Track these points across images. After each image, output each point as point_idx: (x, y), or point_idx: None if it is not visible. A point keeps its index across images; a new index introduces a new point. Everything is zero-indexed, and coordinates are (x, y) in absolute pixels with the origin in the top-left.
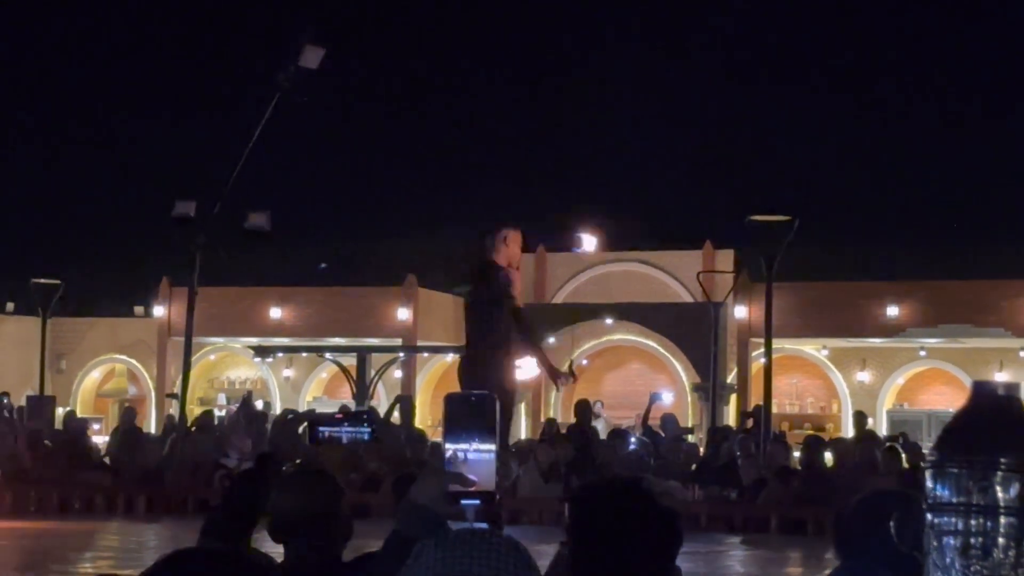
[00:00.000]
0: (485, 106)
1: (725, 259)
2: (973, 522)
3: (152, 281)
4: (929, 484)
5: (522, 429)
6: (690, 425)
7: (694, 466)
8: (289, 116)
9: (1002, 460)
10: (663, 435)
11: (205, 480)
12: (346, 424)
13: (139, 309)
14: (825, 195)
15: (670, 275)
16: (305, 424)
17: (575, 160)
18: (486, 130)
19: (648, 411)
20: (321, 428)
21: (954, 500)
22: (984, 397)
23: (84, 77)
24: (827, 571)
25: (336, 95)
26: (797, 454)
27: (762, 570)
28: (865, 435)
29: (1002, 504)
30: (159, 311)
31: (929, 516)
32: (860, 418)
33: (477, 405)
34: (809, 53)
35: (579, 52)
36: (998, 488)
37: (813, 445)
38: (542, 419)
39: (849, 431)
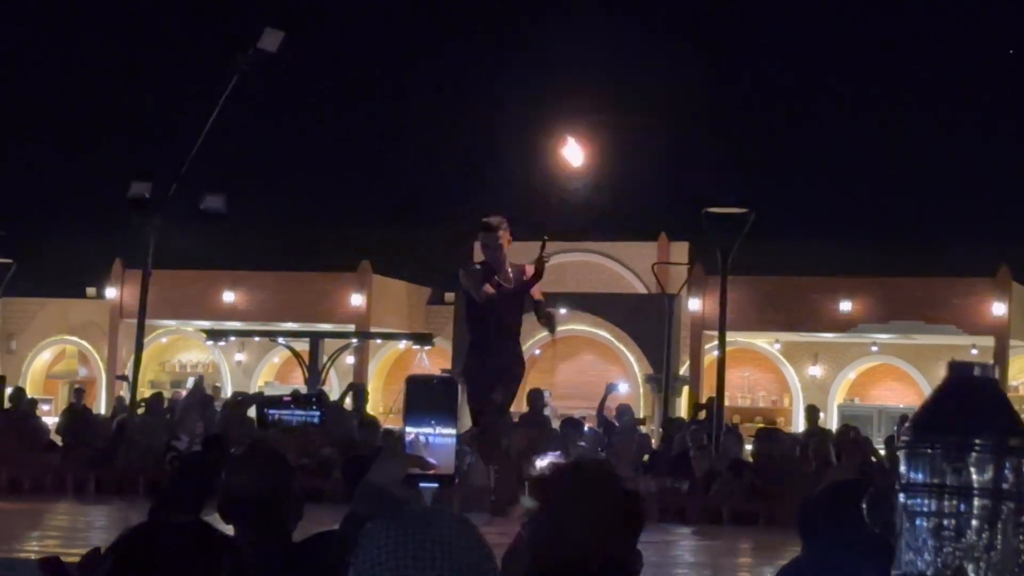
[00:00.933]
0: (439, 90)
1: (680, 251)
2: (946, 503)
3: (104, 262)
4: (903, 465)
5: None
6: (642, 416)
7: (646, 457)
8: (246, 98)
9: (976, 441)
10: (618, 425)
11: (155, 462)
12: (295, 407)
13: (91, 290)
14: (781, 189)
15: (625, 266)
16: (254, 407)
17: (529, 150)
18: (441, 116)
19: (604, 401)
20: (271, 411)
21: (927, 481)
22: (959, 378)
23: (38, 54)
24: (784, 561)
25: (293, 78)
26: (749, 447)
27: (714, 560)
28: (816, 430)
29: (976, 485)
30: (111, 293)
31: (902, 497)
32: (812, 412)
33: (438, 389)
34: (764, 45)
35: (535, 37)
36: (972, 469)
37: (767, 437)
38: None
39: (800, 425)
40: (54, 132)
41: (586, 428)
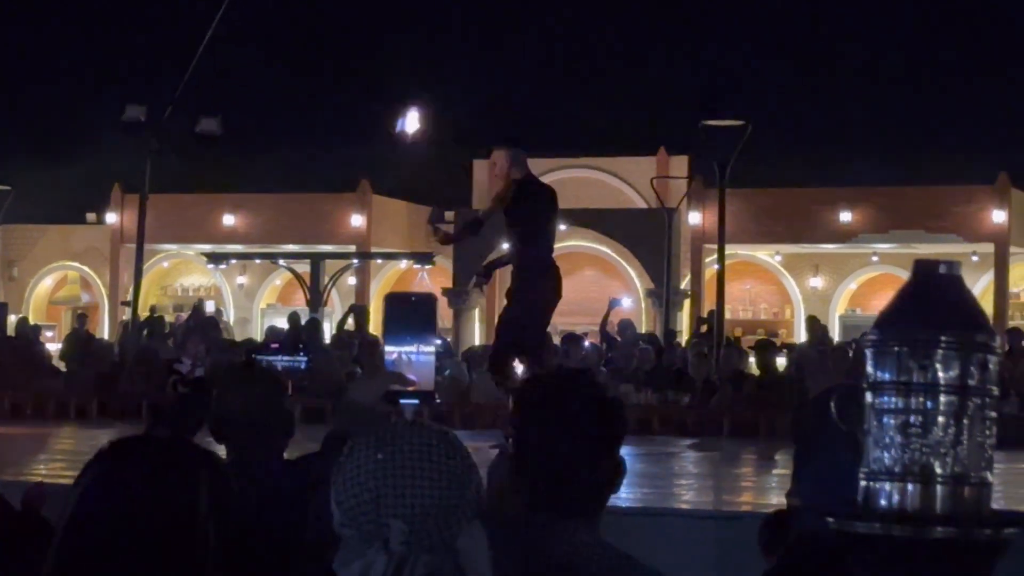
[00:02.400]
0: (437, 8)
1: (679, 165)
2: (913, 401)
3: (104, 187)
4: (869, 364)
5: (476, 335)
6: (644, 331)
7: (647, 371)
8: (240, 18)
9: (943, 338)
10: (620, 340)
11: (158, 385)
12: (282, 353)
13: (91, 216)
14: (779, 100)
15: (624, 181)
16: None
17: (529, 66)
18: (439, 34)
19: (607, 316)
20: (258, 357)
21: (894, 379)
22: (925, 276)
23: None
24: (783, 472)
25: None
26: (752, 359)
27: (715, 470)
28: (817, 340)
29: (942, 382)
30: (111, 218)
31: (869, 396)
32: (813, 323)
33: (417, 306)
34: None
35: None
36: (938, 366)
37: (765, 349)
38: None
39: (802, 336)
40: (50, 57)
41: (587, 344)
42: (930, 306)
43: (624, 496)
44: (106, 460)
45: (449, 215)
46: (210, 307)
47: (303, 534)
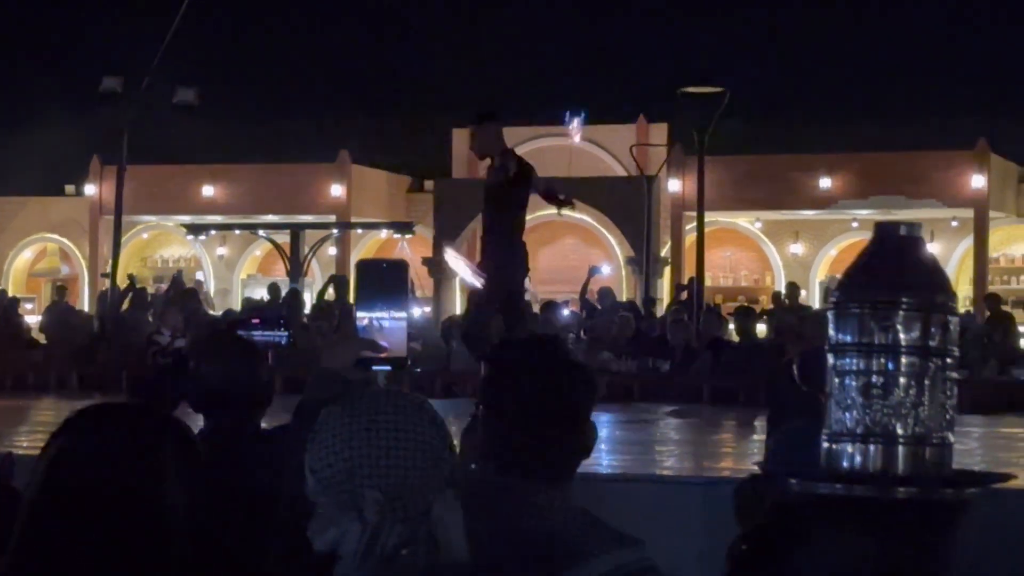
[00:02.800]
0: None
1: (659, 132)
2: (875, 362)
3: (83, 159)
4: (831, 326)
5: (456, 304)
6: (624, 299)
7: (627, 338)
8: None
9: (904, 300)
10: (600, 308)
11: (137, 357)
12: (262, 328)
13: (70, 188)
14: (757, 67)
15: (603, 149)
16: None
17: (508, 34)
18: (416, 2)
19: (587, 284)
20: (239, 332)
21: (856, 341)
22: (886, 238)
23: None
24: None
25: None
26: (732, 326)
27: (695, 436)
28: (797, 307)
29: (903, 344)
30: (90, 190)
31: (831, 357)
32: (792, 290)
33: (389, 272)
34: None
35: None
36: (899, 328)
37: (745, 315)
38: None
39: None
40: (26, 28)
41: (567, 311)
42: (891, 268)
43: (605, 463)
44: (73, 429)
45: (429, 184)
46: (199, 276)
47: (278, 503)
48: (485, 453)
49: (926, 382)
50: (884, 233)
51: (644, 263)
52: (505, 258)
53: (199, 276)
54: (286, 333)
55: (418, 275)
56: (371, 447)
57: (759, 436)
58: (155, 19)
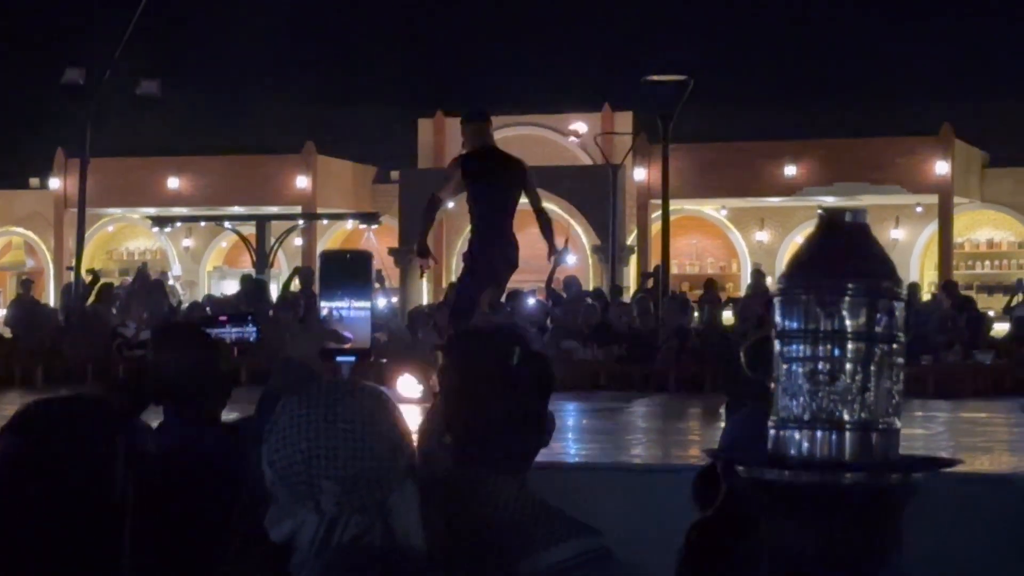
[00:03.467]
0: None
1: (624, 121)
2: (820, 348)
3: (47, 152)
4: (777, 313)
5: (423, 294)
6: (590, 288)
7: (593, 326)
8: None
9: (849, 286)
10: (566, 297)
11: (103, 350)
12: (230, 325)
13: (34, 181)
14: (721, 54)
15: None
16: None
17: (472, 24)
18: None
19: (552, 273)
20: (208, 331)
21: (802, 327)
22: (832, 225)
23: None
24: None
25: None
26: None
27: (661, 424)
28: (762, 293)
29: (849, 330)
30: (55, 183)
31: (778, 344)
32: (758, 276)
33: (353, 263)
34: None
35: None
36: (845, 314)
37: (710, 303)
38: (443, 284)
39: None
40: None
41: (533, 300)
42: (836, 254)
43: (571, 451)
44: (24, 421)
45: (395, 174)
46: (175, 271)
47: (238, 495)
48: (442, 443)
49: (872, 368)
50: (830, 220)
51: (610, 251)
52: (486, 245)
53: (175, 271)
54: (255, 329)
55: (384, 265)
56: (328, 438)
57: (724, 423)
58: (117, 10)
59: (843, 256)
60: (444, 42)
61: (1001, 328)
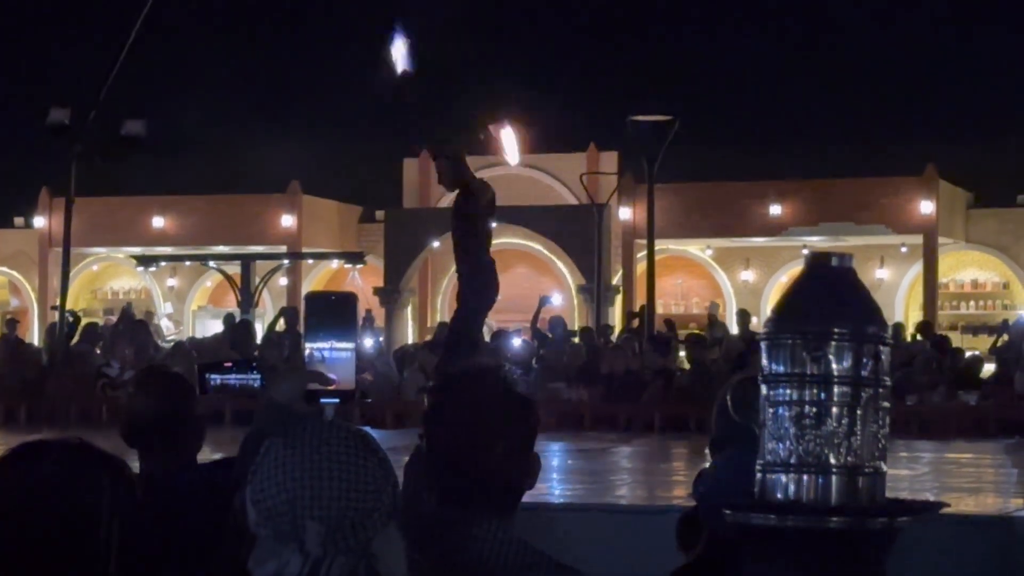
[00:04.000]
0: (360, 11)
1: (609, 160)
2: (807, 392)
3: (32, 191)
4: (764, 356)
5: (408, 333)
6: (576, 328)
7: (579, 367)
8: (164, 20)
9: (835, 330)
10: (551, 337)
11: (87, 389)
12: (235, 372)
13: (19, 220)
14: (706, 95)
15: (554, 177)
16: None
17: (456, 62)
18: (364, 36)
19: (537, 313)
20: (211, 376)
21: (788, 371)
22: (818, 269)
23: None
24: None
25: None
26: (683, 353)
27: (646, 465)
28: (748, 334)
29: (836, 374)
30: (39, 222)
31: (764, 388)
32: (743, 317)
33: (337, 304)
34: None
35: None
36: (831, 358)
37: (696, 344)
38: (428, 323)
39: (733, 330)
40: None
41: (519, 340)
42: (822, 298)
43: (557, 492)
44: (10, 463)
45: (380, 214)
46: (168, 309)
47: (219, 538)
48: (427, 485)
49: (858, 412)
50: (816, 264)
51: (596, 291)
52: (472, 287)
53: (167, 308)
54: (259, 376)
55: (370, 304)
56: (313, 478)
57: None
58: (102, 51)
59: (829, 301)
60: (428, 82)
61: (986, 369)
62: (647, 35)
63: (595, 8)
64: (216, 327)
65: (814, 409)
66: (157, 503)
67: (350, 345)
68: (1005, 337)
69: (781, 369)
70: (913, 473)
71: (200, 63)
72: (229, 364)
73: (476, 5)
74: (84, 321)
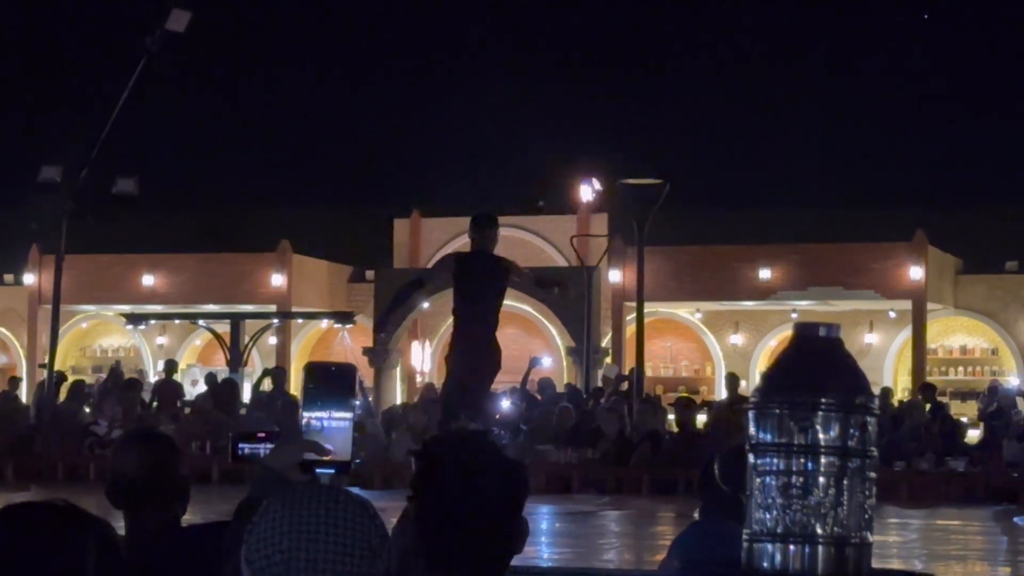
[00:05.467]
0: (349, 71)
1: (600, 223)
2: (794, 462)
3: (22, 248)
4: (751, 426)
5: (396, 394)
6: (565, 387)
7: (568, 429)
8: (156, 80)
9: (823, 400)
10: (540, 399)
11: (74, 447)
12: (267, 442)
13: (8, 277)
14: (696, 159)
15: (544, 239)
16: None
17: (448, 125)
18: (351, 95)
19: (527, 375)
20: (242, 445)
21: (776, 440)
22: (806, 339)
23: None
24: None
25: (201, 59)
26: (672, 416)
27: (634, 528)
28: (737, 398)
29: (823, 444)
30: (29, 279)
31: (752, 457)
32: (732, 380)
33: (337, 374)
34: (673, 18)
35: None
36: (819, 428)
37: (685, 407)
38: (417, 384)
39: (723, 393)
40: None
41: (508, 402)
42: (810, 369)
43: (545, 555)
44: None
45: (370, 274)
46: (158, 365)
47: None
48: (416, 550)
49: (845, 482)
50: (803, 334)
51: (585, 353)
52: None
53: (159, 366)
54: None
55: (359, 365)
56: (309, 540)
57: None
58: (94, 109)
59: (817, 371)
60: (419, 145)
61: (974, 435)
62: (637, 97)
63: (582, 71)
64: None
65: (801, 479)
66: (139, 564)
67: (348, 415)
68: (995, 404)
69: (768, 438)
70: (902, 540)
71: (191, 122)
72: (263, 435)
73: (465, 68)
74: (71, 379)
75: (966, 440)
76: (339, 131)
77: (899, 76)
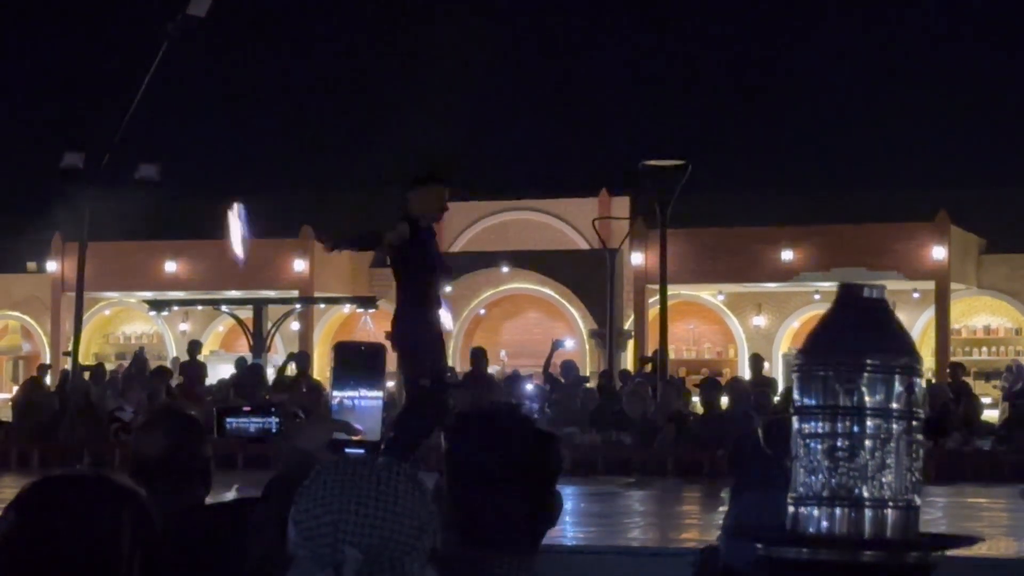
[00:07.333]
0: (371, 53)
1: (621, 206)
2: (839, 425)
3: (45, 236)
4: (796, 389)
5: None
6: (587, 373)
7: (592, 411)
8: (179, 64)
9: (868, 362)
10: (564, 382)
11: (99, 433)
12: (253, 416)
13: (32, 265)
14: (719, 140)
15: (566, 222)
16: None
17: (471, 108)
18: (384, 78)
19: (550, 358)
20: (229, 419)
21: (821, 403)
22: (850, 300)
23: None
24: (724, 508)
25: (228, 43)
26: (697, 398)
27: (659, 508)
28: (761, 379)
29: (868, 406)
30: (52, 266)
31: (796, 421)
32: (756, 361)
33: (367, 355)
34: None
35: None
36: (864, 390)
37: (710, 387)
38: None
39: (746, 375)
40: None
41: (531, 385)
42: (855, 330)
43: (570, 535)
44: (30, 498)
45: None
46: (181, 351)
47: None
48: (448, 524)
49: (891, 444)
50: (848, 295)
51: (608, 336)
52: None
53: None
54: (276, 420)
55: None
56: (360, 504)
57: (723, 508)
58: (116, 95)
59: (861, 332)
60: (442, 126)
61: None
62: (657, 79)
63: (606, 53)
64: (228, 372)
65: (847, 442)
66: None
67: (378, 394)
68: (1020, 384)
69: (813, 402)
70: (928, 517)
71: (212, 109)
72: (248, 408)
73: (487, 52)
74: (96, 362)
75: (990, 419)
76: (355, 117)
77: (922, 57)
